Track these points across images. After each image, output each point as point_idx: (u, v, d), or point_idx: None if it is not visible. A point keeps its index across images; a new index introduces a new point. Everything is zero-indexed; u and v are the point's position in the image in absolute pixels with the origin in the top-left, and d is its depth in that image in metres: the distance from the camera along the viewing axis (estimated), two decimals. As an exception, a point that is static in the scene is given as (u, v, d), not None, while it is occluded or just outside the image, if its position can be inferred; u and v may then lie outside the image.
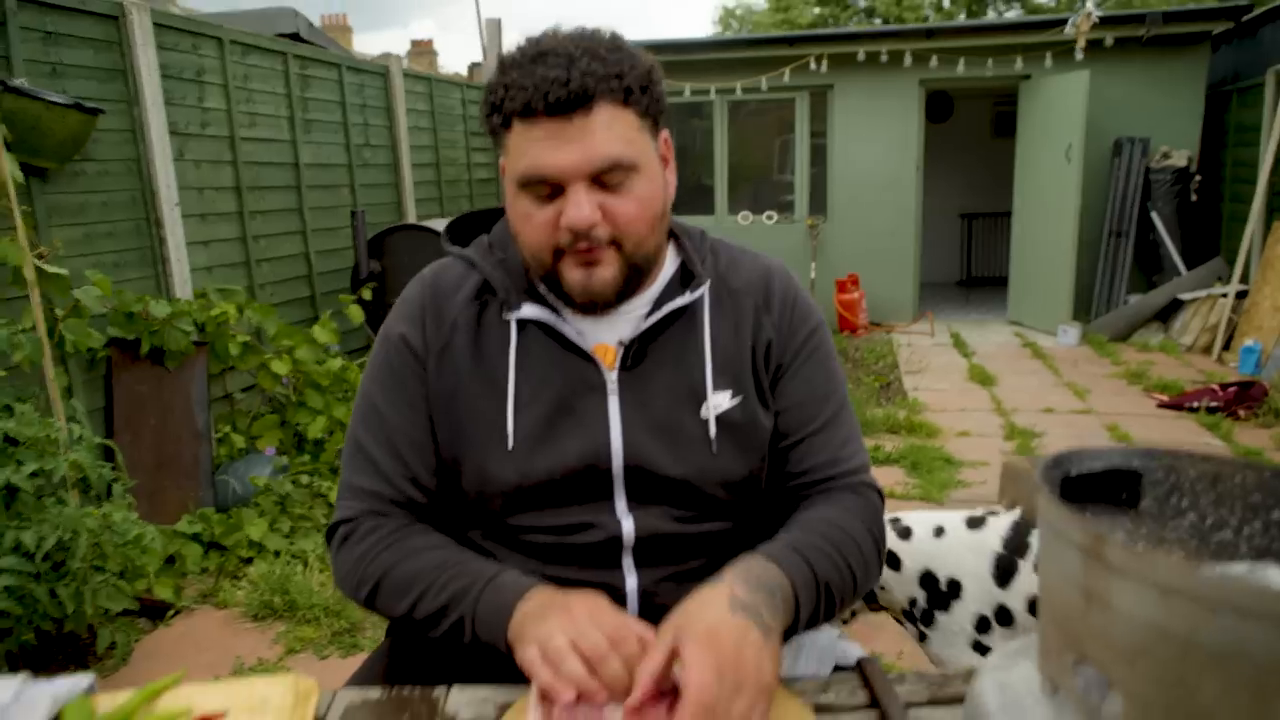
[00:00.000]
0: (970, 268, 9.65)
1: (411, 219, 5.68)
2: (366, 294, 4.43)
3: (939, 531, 1.67)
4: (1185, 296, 6.14)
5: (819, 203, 7.50)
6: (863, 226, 7.31)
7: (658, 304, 1.01)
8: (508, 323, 1.00)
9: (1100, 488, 0.78)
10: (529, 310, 0.99)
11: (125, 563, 2.53)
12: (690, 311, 1.02)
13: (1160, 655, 0.61)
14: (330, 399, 3.79)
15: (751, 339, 1.03)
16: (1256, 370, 5.13)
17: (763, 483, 1.05)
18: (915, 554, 1.65)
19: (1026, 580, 1.56)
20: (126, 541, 2.45)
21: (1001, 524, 1.65)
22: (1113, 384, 5.26)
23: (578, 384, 0.99)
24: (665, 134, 0.99)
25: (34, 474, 2.31)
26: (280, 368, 3.58)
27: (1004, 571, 1.58)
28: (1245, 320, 5.64)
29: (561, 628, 0.81)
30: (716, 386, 1.01)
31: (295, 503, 3.35)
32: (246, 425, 3.78)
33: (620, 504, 1.00)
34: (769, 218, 7.44)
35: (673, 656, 0.78)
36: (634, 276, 0.97)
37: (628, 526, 0.99)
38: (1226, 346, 5.73)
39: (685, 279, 1.04)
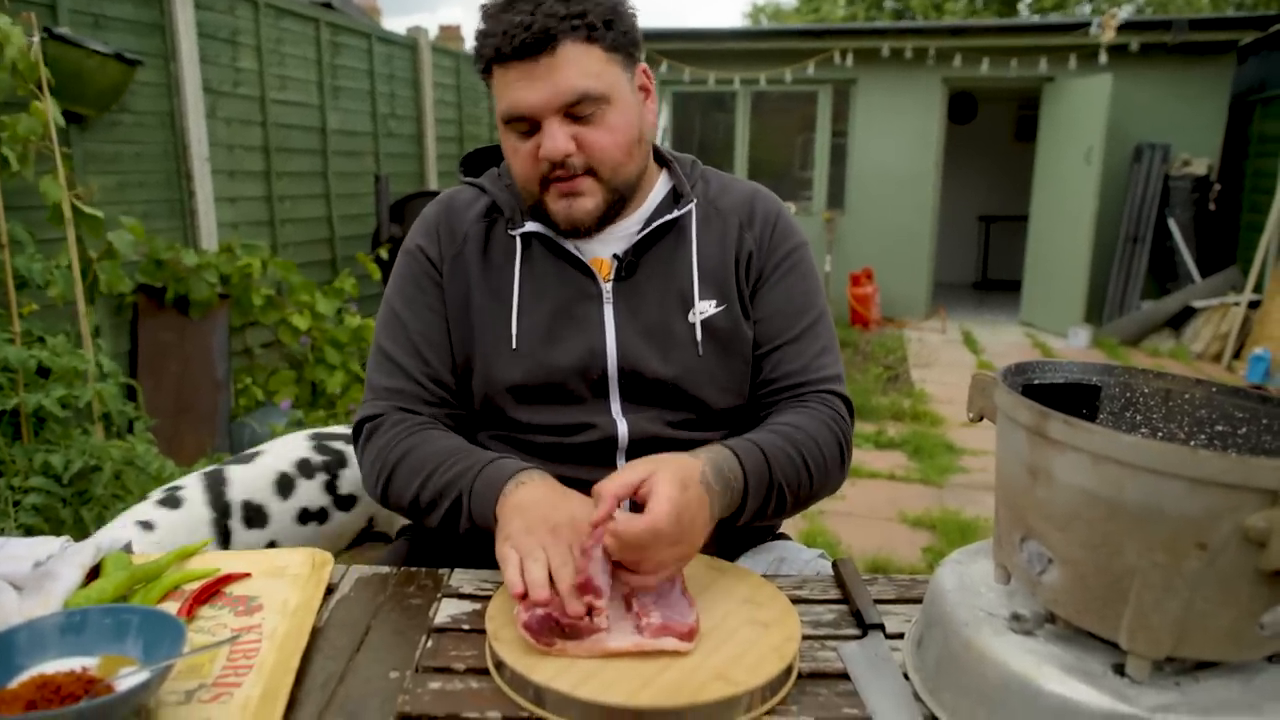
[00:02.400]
0: (986, 270, 9.65)
1: (433, 188, 5.76)
2: (384, 253, 4.52)
3: None
4: (1198, 304, 6.15)
5: (837, 197, 7.53)
6: (880, 222, 7.34)
7: (649, 222, 1.09)
8: (513, 238, 1.09)
9: (1062, 400, 0.85)
10: (532, 226, 1.08)
11: (145, 497, 2.63)
12: (679, 228, 1.11)
13: (1091, 518, 0.68)
14: (347, 356, 3.88)
15: (735, 251, 1.12)
16: (1265, 378, 5.15)
17: (746, 391, 1.13)
18: None
19: None
20: (147, 475, 2.55)
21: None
22: (1119, 386, 5.28)
23: (576, 293, 1.08)
24: (643, 66, 1.07)
25: (63, 405, 2.41)
26: (300, 323, 3.68)
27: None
28: (1257, 329, 5.65)
29: (543, 546, 0.85)
30: (702, 296, 1.09)
31: (309, 452, 3.43)
32: (264, 379, 3.87)
33: (615, 405, 1.08)
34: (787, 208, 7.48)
35: (636, 489, 0.84)
36: (616, 203, 1.06)
37: (623, 428, 1.08)
38: (1237, 355, 5.74)
39: (677, 200, 1.13)
